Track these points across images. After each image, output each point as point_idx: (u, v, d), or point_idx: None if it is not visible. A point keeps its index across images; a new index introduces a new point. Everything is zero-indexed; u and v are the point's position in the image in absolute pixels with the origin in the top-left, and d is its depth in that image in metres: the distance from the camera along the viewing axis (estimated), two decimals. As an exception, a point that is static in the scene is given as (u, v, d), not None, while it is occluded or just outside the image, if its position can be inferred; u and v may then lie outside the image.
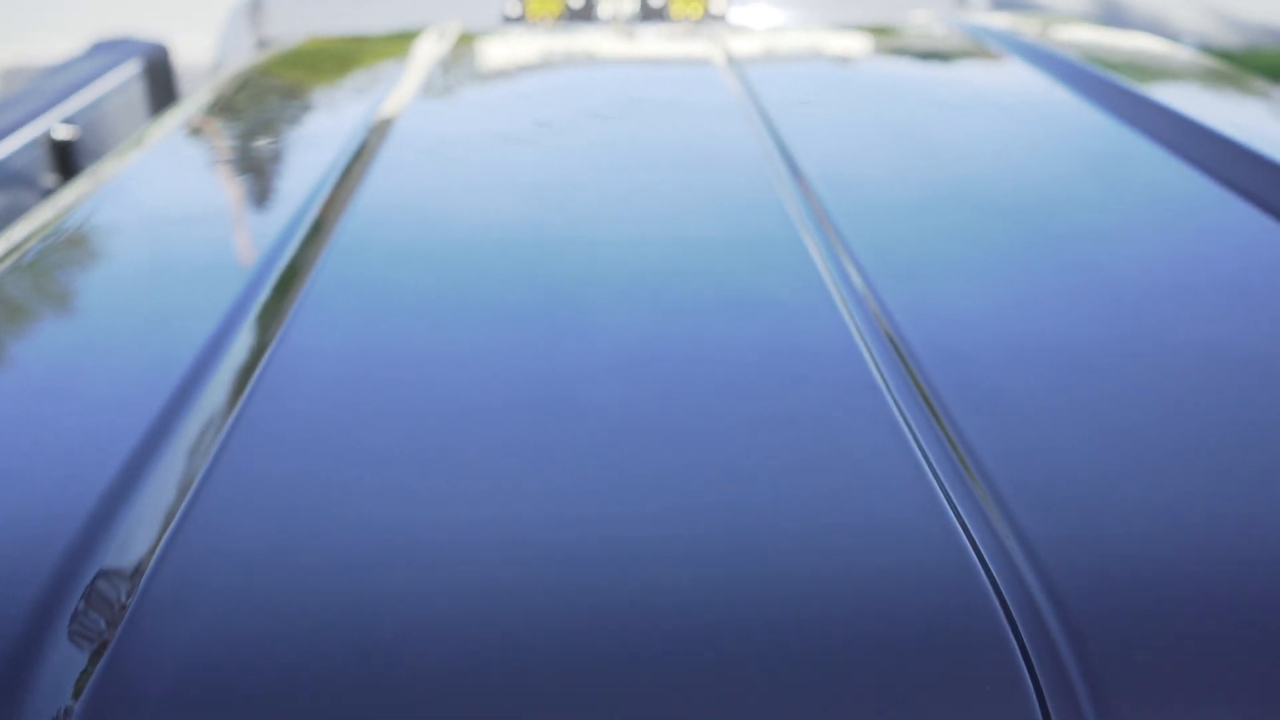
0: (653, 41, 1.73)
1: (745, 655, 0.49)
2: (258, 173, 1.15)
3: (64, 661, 0.48)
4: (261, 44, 2.14)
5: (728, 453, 0.62)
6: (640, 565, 0.53)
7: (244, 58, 2.05)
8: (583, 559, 0.54)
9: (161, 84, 1.95)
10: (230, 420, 0.64)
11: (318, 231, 0.90)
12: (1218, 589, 0.53)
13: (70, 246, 0.92)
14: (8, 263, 0.87)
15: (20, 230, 0.96)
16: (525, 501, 0.57)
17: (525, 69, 1.54)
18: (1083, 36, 1.73)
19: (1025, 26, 1.77)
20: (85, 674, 0.47)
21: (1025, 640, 0.49)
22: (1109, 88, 1.29)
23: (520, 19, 2.27)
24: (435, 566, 0.53)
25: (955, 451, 0.62)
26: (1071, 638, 0.49)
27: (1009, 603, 0.51)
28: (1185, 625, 0.51)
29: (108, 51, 1.88)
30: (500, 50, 1.63)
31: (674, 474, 0.60)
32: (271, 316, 0.76)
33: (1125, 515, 0.58)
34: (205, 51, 3.93)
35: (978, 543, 0.55)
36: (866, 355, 0.71)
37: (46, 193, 1.55)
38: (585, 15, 2.27)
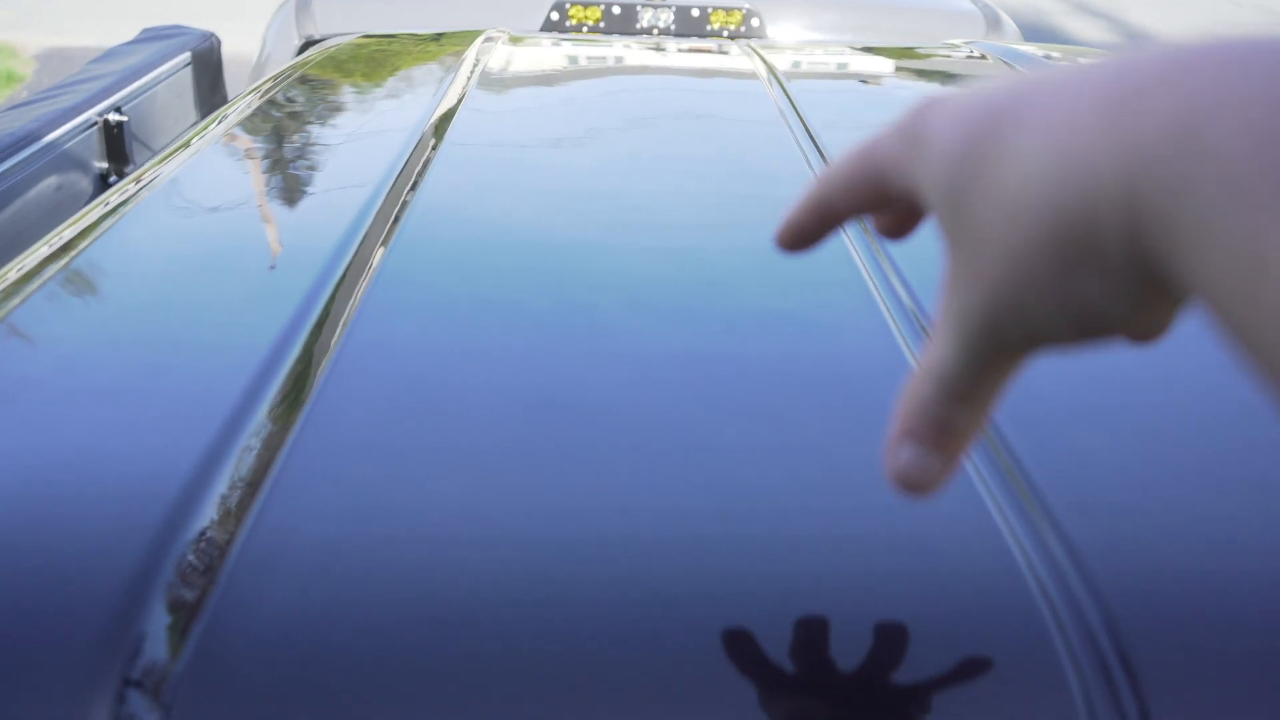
0: (695, 52, 1.76)
1: (792, 665, 0.51)
2: (315, 172, 1.17)
3: (160, 627, 0.51)
4: (306, 42, 2.17)
5: (775, 462, 0.65)
6: (691, 567, 0.56)
7: (290, 54, 2.08)
8: (640, 555, 0.56)
9: (210, 73, 1.98)
10: (307, 407, 0.66)
11: (377, 231, 0.92)
12: (1275, 607, 0.55)
13: (135, 241, 0.94)
14: (79, 254, 0.89)
15: (82, 222, 0.98)
16: (586, 500, 0.60)
17: (575, 76, 1.57)
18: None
19: (1057, 55, 1.80)
20: (180, 638, 0.50)
21: (1077, 653, 0.51)
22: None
23: (561, 24, 2.30)
24: (504, 552, 0.56)
25: (1004, 464, 0.64)
26: (1122, 652, 0.51)
27: (1060, 614, 0.53)
28: (1239, 643, 0.52)
29: (159, 39, 1.92)
30: (549, 56, 1.66)
31: (728, 484, 0.62)
32: (339, 311, 0.78)
33: (1176, 530, 0.60)
34: (238, 40, 3.97)
35: (1030, 555, 0.57)
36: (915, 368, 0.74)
37: (99, 176, 1.58)
38: (625, 23, 2.30)
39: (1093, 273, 0.31)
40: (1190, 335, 0.83)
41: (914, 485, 0.41)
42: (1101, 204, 0.30)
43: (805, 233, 0.47)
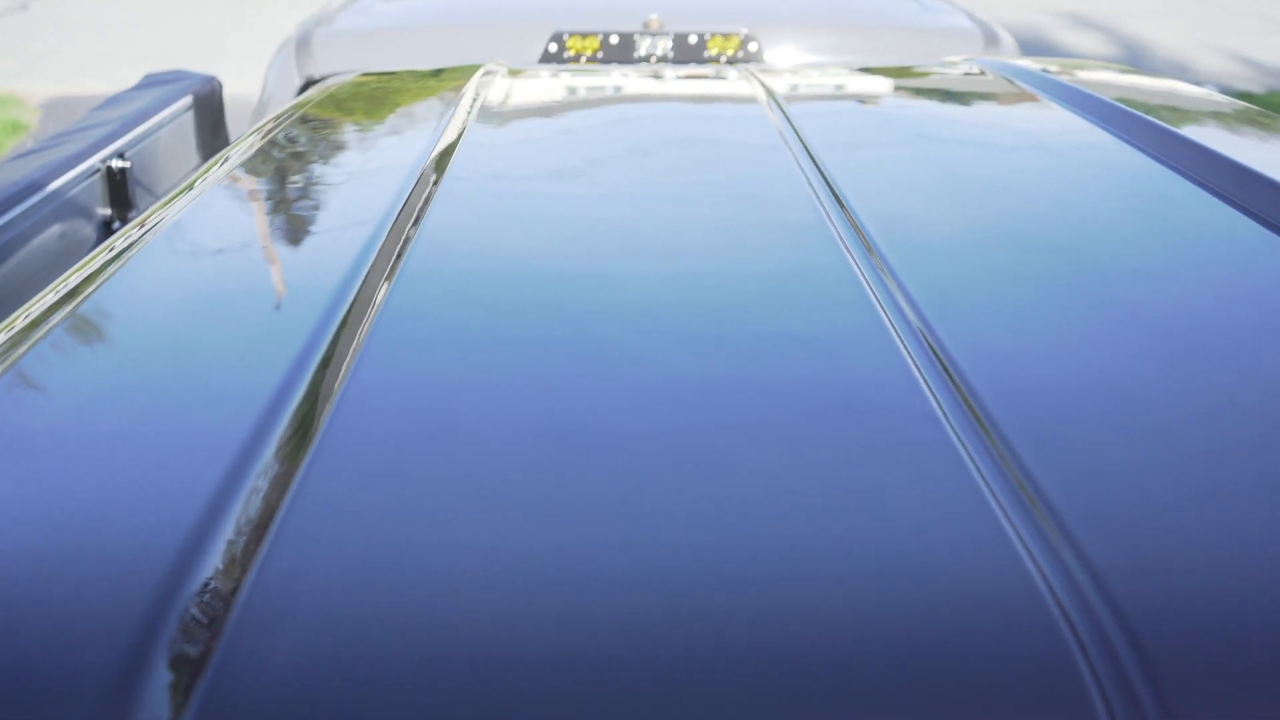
0: (693, 79, 1.76)
1: (813, 689, 0.50)
2: (318, 210, 1.17)
3: (162, 685, 0.50)
4: (307, 81, 2.18)
5: (790, 484, 0.64)
6: (705, 595, 0.55)
7: (291, 94, 2.09)
8: (647, 585, 0.56)
9: (212, 117, 2.00)
10: (313, 446, 0.66)
11: (380, 267, 0.92)
12: None
13: (139, 287, 0.94)
14: (84, 300, 0.89)
15: (86, 269, 0.98)
16: (597, 531, 0.60)
17: (574, 107, 1.57)
18: (1113, 80, 1.76)
19: (1056, 70, 1.80)
20: (184, 697, 0.49)
21: (1095, 666, 0.50)
22: (1145, 128, 1.31)
23: (560, 55, 2.32)
24: (516, 589, 0.55)
25: (1016, 480, 0.64)
26: (1142, 664, 0.51)
27: (1077, 627, 0.52)
28: (1251, 651, 0.52)
29: (161, 84, 1.93)
30: (548, 88, 1.67)
31: (735, 508, 0.62)
32: (344, 348, 0.78)
33: (1186, 541, 0.59)
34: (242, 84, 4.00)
35: (1044, 569, 0.56)
36: (924, 387, 0.73)
37: (103, 222, 1.59)
38: (623, 52, 2.31)
39: None
40: (1204, 344, 0.83)
41: None
42: None
43: None
